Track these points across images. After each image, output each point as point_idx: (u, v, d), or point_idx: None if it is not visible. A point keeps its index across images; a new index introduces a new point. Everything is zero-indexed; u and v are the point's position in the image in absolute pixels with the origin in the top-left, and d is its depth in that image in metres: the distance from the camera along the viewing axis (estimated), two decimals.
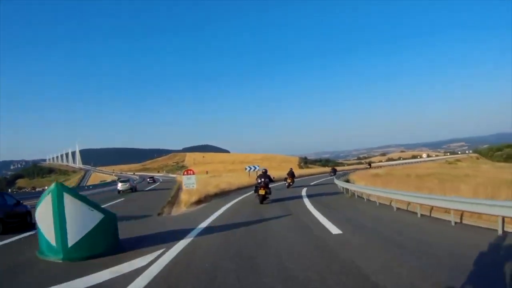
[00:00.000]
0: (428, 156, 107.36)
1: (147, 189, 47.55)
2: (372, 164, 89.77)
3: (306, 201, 19.13)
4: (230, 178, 42.99)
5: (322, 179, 46.35)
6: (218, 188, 28.62)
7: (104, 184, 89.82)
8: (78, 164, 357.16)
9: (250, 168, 43.61)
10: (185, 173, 24.77)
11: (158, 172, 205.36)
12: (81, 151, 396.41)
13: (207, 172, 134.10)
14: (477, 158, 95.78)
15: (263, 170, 21.63)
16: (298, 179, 45.99)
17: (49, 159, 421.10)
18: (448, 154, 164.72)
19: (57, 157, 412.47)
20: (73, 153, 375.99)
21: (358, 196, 19.25)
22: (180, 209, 19.10)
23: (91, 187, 79.24)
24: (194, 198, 21.26)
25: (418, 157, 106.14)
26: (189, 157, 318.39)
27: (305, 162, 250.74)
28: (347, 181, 29.98)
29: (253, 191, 20.16)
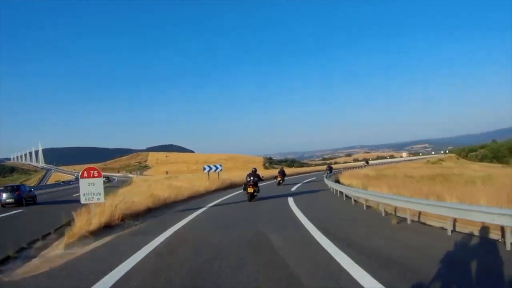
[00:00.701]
0: (408, 155, 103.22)
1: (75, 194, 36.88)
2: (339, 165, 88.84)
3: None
4: (184, 182, 33.61)
5: (313, 178, 45.77)
6: (157, 198, 18.84)
7: (56, 185, 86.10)
8: (41, 163, 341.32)
9: (210, 168, 34.40)
10: (84, 174, 13.10)
11: (118, 172, 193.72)
12: (45, 150, 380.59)
13: (166, 173, 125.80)
14: (457, 158, 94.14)
15: (253, 169, 21.56)
16: (295, 176, 52.07)
17: (13, 158, 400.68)
18: (420, 154, 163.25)
19: (21, 156, 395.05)
20: (37, 152, 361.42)
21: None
22: (55, 250, 9.49)
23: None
24: (98, 221, 11.67)
25: (400, 156, 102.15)
26: (152, 157, 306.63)
27: (270, 162, 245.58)
28: (337, 181, 29.14)
29: (212, 206, 18.53)
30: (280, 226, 11.12)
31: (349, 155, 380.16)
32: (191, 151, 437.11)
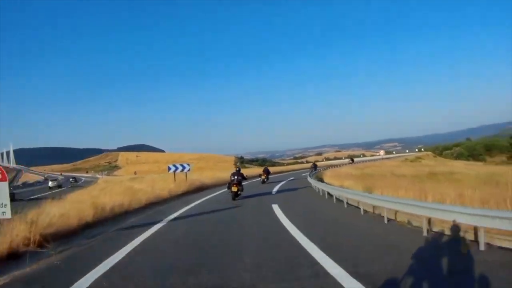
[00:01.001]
0: (385, 153, 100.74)
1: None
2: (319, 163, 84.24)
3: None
4: (147, 184, 29.31)
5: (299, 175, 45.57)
6: (100, 208, 13.95)
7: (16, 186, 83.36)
8: (12, 164, 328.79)
9: (176, 168, 29.21)
10: None
11: (87, 172, 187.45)
12: (16, 151, 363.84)
13: (135, 173, 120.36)
14: (434, 156, 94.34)
15: (237, 169, 22.01)
16: (280, 174, 52.33)
17: None
18: (394, 152, 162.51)
19: None
20: (8, 153, 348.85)
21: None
22: None
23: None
24: None
25: (377, 154, 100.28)
26: (122, 157, 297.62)
27: (241, 162, 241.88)
28: (321, 180, 27.74)
29: (174, 219, 14.08)
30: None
31: (319, 154, 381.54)
32: (162, 151, 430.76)
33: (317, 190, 20.90)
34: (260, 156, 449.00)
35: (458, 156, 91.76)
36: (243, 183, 20.78)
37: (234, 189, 19.44)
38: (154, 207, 17.80)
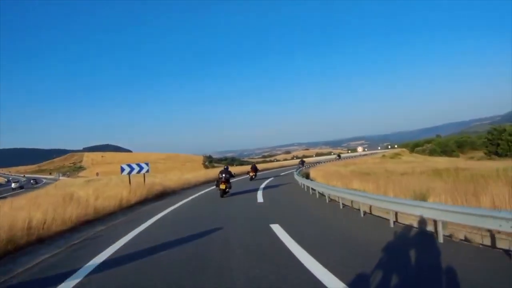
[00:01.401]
0: (363, 150, 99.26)
1: None
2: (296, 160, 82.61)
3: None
4: (97, 189, 22.09)
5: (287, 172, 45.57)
6: None
7: None
8: None
9: (132, 169, 22.52)
10: None
11: (50, 173, 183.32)
12: None
13: (97, 174, 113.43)
14: (410, 153, 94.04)
15: (225, 167, 22.22)
16: (268, 171, 52.58)
17: None
18: (366, 150, 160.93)
19: None
20: None
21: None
22: None
23: None
24: None
25: (356, 151, 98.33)
26: (87, 157, 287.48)
27: (210, 161, 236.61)
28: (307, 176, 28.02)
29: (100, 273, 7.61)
30: None
31: (288, 152, 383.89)
32: (129, 151, 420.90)
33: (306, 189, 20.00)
34: (229, 155, 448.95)
35: (431, 153, 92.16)
36: (231, 181, 20.77)
37: (222, 186, 19.63)
38: (82, 231, 11.34)
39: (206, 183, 32.16)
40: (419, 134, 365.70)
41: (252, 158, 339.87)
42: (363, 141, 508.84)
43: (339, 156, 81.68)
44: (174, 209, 15.57)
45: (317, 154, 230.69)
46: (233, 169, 29.45)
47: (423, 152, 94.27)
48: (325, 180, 20.96)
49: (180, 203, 17.53)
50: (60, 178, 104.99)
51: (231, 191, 20.51)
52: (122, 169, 22.52)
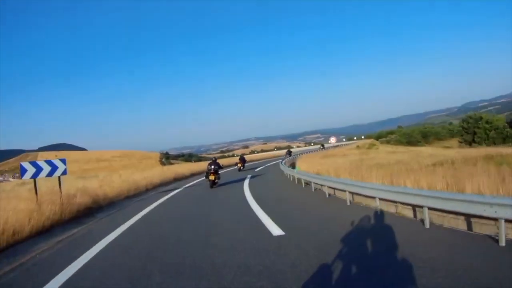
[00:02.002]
0: (336, 141, 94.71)
1: None
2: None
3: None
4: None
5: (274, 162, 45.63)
6: None
7: None
8: None
9: (39, 170, 13.40)
10: None
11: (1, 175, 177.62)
12: None
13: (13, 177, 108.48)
14: (381, 143, 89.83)
15: (213, 159, 23.31)
16: (256, 162, 55.45)
17: None
18: (313, 144, 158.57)
19: None
20: None
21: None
22: None
23: None
24: None
25: (329, 142, 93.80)
26: (41, 157, 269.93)
27: (167, 157, 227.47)
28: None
29: None
30: None
31: (245, 147, 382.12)
32: (84, 149, 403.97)
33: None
34: (186, 151, 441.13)
35: (396, 144, 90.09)
36: (219, 172, 21.62)
37: (212, 177, 20.53)
38: None
39: (164, 185, 26.09)
40: (374, 127, 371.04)
41: (210, 154, 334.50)
42: (318, 134, 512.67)
43: (322, 146, 77.78)
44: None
45: (262, 150, 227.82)
46: (194, 165, 31.06)
47: (387, 143, 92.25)
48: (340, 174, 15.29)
49: (111, 237, 9.85)
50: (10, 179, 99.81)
51: (220, 181, 21.48)
52: (23, 171, 13.65)
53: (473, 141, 74.88)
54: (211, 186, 20.16)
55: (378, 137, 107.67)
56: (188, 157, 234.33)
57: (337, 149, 62.63)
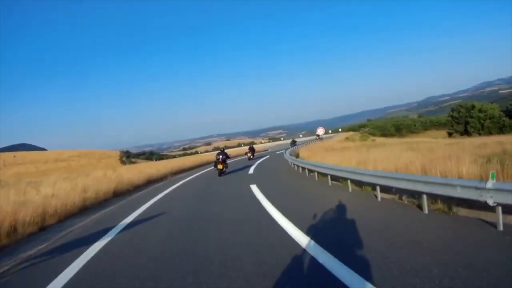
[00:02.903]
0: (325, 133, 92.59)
1: None
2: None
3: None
4: None
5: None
6: None
7: None
8: None
9: None
10: None
11: None
12: None
13: None
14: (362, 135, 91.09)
15: (222, 148, 24.39)
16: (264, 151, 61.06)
17: None
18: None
19: None
20: None
21: None
22: None
23: None
24: None
25: (317, 133, 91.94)
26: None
27: (127, 156, 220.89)
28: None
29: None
30: None
31: (208, 143, 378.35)
32: (44, 149, 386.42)
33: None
34: (147, 149, 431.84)
35: (372, 135, 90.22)
36: (227, 162, 22.87)
37: (220, 166, 21.50)
38: None
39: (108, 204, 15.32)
40: (337, 122, 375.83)
41: (172, 151, 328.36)
42: (281, 130, 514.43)
43: (318, 136, 76.41)
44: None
45: (239, 144, 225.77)
46: (123, 170, 30.18)
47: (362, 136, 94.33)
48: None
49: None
50: None
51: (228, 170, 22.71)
52: None
53: (465, 131, 71.33)
54: (219, 175, 21.17)
55: (349, 129, 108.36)
56: (149, 155, 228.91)
57: (336, 142, 52.04)
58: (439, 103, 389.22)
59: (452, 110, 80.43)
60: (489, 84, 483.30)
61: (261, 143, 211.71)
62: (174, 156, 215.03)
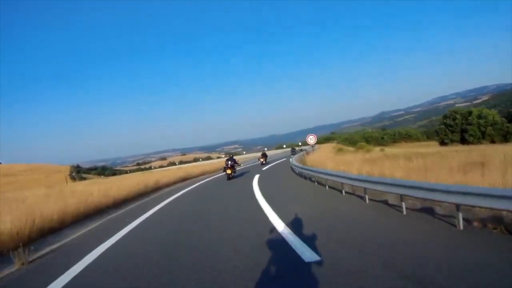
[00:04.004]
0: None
1: None
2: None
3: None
4: None
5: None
6: None
7: None
8: None
9: None
10: None
11: None
12: None
13: None
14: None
15: (231, 155, 27.04)
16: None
17: None
18: (227, 155, 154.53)
19: None
20: None
21: None
22: None
23: None
24: None
25: (308, 143, 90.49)
26: None
27: (77, 171, 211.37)
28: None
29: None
30: None
31: (163, 158, 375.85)
32: None
33: None
34: (100, 164, 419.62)
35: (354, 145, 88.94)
36: (236, 168, 25.37)
37: (229, 171, 23.07)
38: None
39: None
40: (292, 136, 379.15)
41: (126, 166, 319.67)
42: (237, 145, 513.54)
43: (296, 149, 76.11)
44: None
45: (195, 159, 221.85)
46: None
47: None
48: None
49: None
50: None
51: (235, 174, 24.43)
52: None
53: (462, 139, 61.52)
54: (228, 179, 22.59)
55: (316, 143, 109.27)
56: (101, 170, 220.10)
57: (337, 155, 45.21)
58: (393, 118, 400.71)
59: (445, 117, 69.23)
60: (444, 98, 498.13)
61: (217, 158, 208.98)
62: (126, 172, 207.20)
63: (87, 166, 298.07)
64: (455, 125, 64.69)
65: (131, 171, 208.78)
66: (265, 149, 70.43)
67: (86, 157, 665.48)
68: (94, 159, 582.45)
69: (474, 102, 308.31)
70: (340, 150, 57.07)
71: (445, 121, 67.98)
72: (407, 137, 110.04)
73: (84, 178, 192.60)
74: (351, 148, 66.32)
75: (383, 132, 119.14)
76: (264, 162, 38.21)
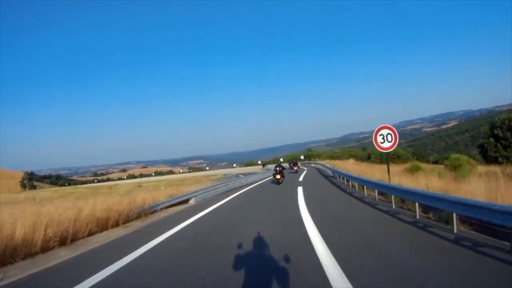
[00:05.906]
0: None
1: None
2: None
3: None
4: None
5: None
6: None
7: None
8: None
9: None
10: None
11: None
12: None
13: None
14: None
15: (278, 162, 29.99)
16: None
17: None
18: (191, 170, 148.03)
19: None
20: None
21: None
22: None
23: None
24: None
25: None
26: None
27: (30, 178, 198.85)
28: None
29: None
30: None
31: (124, 170, 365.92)
32: None
33: None
34: (63, 172, 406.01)
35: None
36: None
37: (278, 176, 24.10)
38: None
39: None
40: (258, 154, 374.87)
41: (83, 177, 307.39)
42: (201, 160, 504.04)
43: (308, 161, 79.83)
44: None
45: (156, 173, 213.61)
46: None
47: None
48: None
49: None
50: None
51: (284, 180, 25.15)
52: None
53: (486, 155, 40.78)
54: (278, 184, 23.62)
55: (293, 158, 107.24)
56: (55, 180, 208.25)
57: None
58: (359, 140, 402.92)
59: (494, 127, 41.45)
60: (409, 122, 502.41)
61: (180, 172, 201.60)
62: (83, 183, 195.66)
63: (47, 173, 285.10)
64: (510, 137, 40.00)
65: (86, 182, 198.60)
66: (281, 159, 67.71)
67: (48, 164, 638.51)
68: (57, 166, 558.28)
69: (443, 126, 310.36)
70: (412, 169, 31.31)
71: (495, 132, 39.16)
72: (394, 158, 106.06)
73: (35, 187, 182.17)
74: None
75: (367, 151, 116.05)
76: (297, 170, 40.15)
